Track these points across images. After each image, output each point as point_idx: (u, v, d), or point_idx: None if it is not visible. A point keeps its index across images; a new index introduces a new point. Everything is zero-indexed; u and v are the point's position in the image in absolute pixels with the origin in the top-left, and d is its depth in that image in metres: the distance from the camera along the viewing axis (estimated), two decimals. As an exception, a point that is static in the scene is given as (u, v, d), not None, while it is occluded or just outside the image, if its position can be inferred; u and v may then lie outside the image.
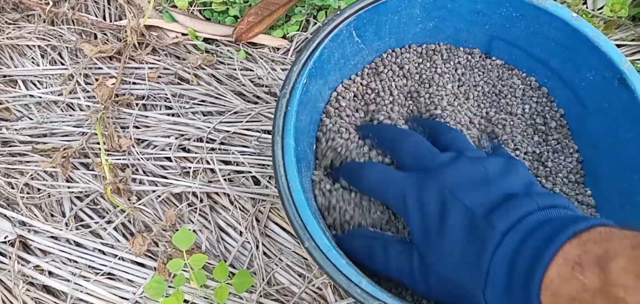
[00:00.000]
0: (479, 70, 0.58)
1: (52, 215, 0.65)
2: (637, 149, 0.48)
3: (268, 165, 0.67)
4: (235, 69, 0.74)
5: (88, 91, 0.71)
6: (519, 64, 0.58)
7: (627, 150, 0.49)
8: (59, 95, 0.71)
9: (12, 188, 0.66)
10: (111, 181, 0.61)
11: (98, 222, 0.64)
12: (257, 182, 0.67)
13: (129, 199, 0.64)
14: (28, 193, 0.66)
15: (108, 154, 0.67)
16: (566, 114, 0.56)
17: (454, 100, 0.56)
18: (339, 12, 0.50)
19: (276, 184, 0.44)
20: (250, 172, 0.66)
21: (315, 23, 0.82)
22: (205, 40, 0.80)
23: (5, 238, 0.63)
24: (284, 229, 0.64)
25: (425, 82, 0.57)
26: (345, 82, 0.57)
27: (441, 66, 0.58)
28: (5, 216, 0.65)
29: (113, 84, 0.71)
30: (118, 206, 0.63)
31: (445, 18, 0.56)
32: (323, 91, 0.54)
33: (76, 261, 0.63)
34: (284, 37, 0.82)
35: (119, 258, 0.61)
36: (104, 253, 0.63)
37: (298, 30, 0.82)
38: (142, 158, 0.66)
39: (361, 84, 0.57)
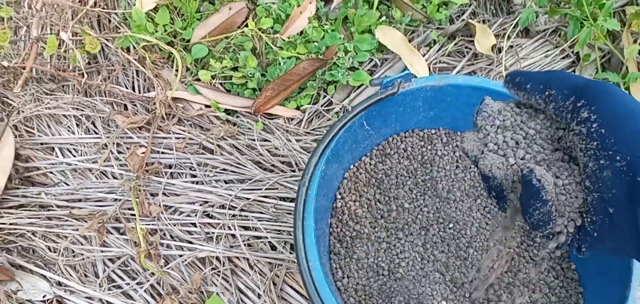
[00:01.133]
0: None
1: (86, 275, 0.72)
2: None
3: (284, 231, 0.74)
4: (254, 139, 0.82)
5: (120, 160, 0.78)
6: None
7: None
8: (93, 162, 0.78)
9: (50, 251, 0.73)
10: (144, 248, 0.67)
11: (129, 284, 0.70)
12: (273, 247, 0.73)
13: (158, 263, 0.70)
14: (64, 255, 0.72)
15: (141, 221, 0.73)
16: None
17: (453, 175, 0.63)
18: (352, 108, 0.57)
19: (298, 265, 0.50)
20: (267, 237, 0.73)
21: (325, 96, 0.90)
22: (226, 111, 0.87)
23: (43, 297, 0.70)
24: (298, 292, 0.70)
25: (426, 162, 0.64)
26: (357, 163, 0.64)
27: (441, 149, 0.65)
28: (44, 276, 0.71)
29: (143, 153, 0.78)
30: (149, 270, 0.69)
31: (445, 109, 0.63)
32: (338, 173, 0.61)
33: (108, 320, 0.69)
34: (297, 108, 0.90)
35: (149, 318, 0.67)
36: (133, 311, 0.69)
37: (310, 102, 0.90)
38: (169, 224, 0.73)
39: (370, 164, 0.64)
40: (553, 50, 0.89)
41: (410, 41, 0.93)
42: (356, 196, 0.63)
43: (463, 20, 0.95)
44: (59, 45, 0.87)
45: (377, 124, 0.61)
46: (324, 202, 0.57)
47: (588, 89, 0.34)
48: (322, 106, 0.89)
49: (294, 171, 0.79)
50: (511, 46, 0.90)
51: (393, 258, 0.60)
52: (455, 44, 0.92)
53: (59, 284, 0.71)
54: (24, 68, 0.83)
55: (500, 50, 0.90)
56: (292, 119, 0.88)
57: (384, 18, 0.95)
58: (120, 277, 0.71)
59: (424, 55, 0.91)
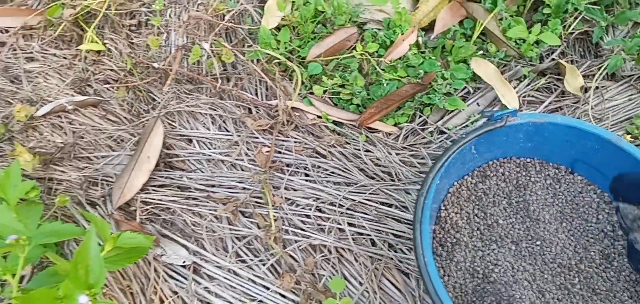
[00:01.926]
0: (564, 183, 0.75)
1: (217, 249, 0.86)
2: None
3: (383, 231, 0.86)
4: (359, 149, 0.94)
5: (249, 155, 0.93)
6: (596, 182, 0.74)
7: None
8: (226, 155, 0.93)
9: (188, 225, 0.87)
10: (275, 231, 0.81)
11: (252, 260, 0.84)
12: (374, 244, 0.85)
13: (279, 245, 0.83)
14: (200, 229, 0.87)
15: (262, 208, 0.87)
16: (633, 227, 0.72)
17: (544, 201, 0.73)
18: (465, 134, 0.68)
19: (416, 260, 0.62)
20: (369, 235, 0.85)
21: (421, 116, 1.01)
22: (334, 122, 1.00)
23: (183, 262, 0.84)
24: (394, 286, 0.81)
25: (520, 186, 0.75)
26: (460, 180, 0.75)
27: (534, 176, 0.75)
28: (183, 245, 0.86)
29: (268, 152, 0.92)
30: (272, 249, 0.83)
31: (541, 142, 0.73)
32: (444, 187, 0.72)
33: (235, 288, 0.82)
34: (395, 124, 1.01)
35: (271, 290, 0.81)
36: (255, 283, 0.83)
37: (406, 121, 1.01)
38: (289, 214, 0.86)
39: (472, 182, 0.75)
40: (637, 96, 0.96)
41: (502, 74, 1.03)
42: (458, 208, 0.74)
43: (553, 59, 1.03)
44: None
45: (482, 149, 0.72)
46: (432, 210, 0.68)
47: None
48: (417, 125, 1.00)
49: (393, 180, 0.90)
50: (597, 87, 0.98)
51: (487, 264, 0.70)
52: (544, 80, 1.01)
53: (195, 253, 0.85)
54: (170, 70, 0.99)
55: (586, 91, 0.98)
56: (390, 134, 1.00)
57: (479, 51, 1.05)
58: (245, 253, 0.85)
59: (514, 88, 1.01)
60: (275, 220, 0.83)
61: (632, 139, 0.89)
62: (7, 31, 1.11)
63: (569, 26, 1.05)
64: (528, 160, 0.76)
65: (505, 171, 0.76)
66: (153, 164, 0.91)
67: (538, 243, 0.72)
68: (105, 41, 1.08)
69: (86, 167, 0.94)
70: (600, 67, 1.00)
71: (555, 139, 0.72)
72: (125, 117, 1.00)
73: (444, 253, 0.72)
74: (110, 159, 0.94)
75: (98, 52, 1.07)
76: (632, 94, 0.97)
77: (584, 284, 0.69)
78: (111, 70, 1.05)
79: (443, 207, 0.73)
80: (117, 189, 0.89)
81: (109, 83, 1.05)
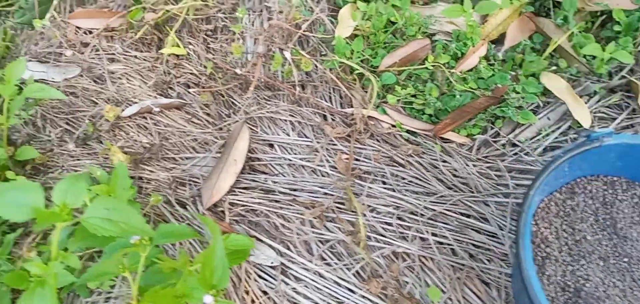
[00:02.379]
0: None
1: (302, 251, 0.89)
2: None
3: (463, 241, 0.89)
4: (436, 159, 0.97)
5: (329, 161, 0.96)
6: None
7: None
8: (307, 161, 0.97)
9: (275, 227, 0.91)
10: (364, 236, 0.84)
11: (337, 264, 0.87)
12: (454, 253, 0.88)
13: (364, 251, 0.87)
14: (287, 231, 0.90)
15: (344, 213, 0.90)
16: None
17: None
18: (562, 153, 0.71)
19: (519, 272, 0.65)
20: (451, 245, 0.88)
21: (493, 128, 1.04)
22: (407, 131, 1.03)
23: (271, 263, 0.88)
24: (477, 296, 0.84)
25: (607, 204, 0.77)
26: (549, 196, 0.77)
27: (621, 194, 0.78)
28: (271, 246, 0.90)
29: (347, 159, 0.95)
30: (356, 254, 0.86)
31: (631, 162, 0.76)
32: (536, 201, 0.75)
33: (321, 290, 0.86)
34: (467, 135, 1.04)
35: (357, 294, 0.84)
36: (340, 285, 0.86)
37: (479, 132, 1.04)
38: (371, 220, 0.90)
39: (560, 198, 0.78)
40: None
41: (573, 89, 1.05)
42: (547, 223, 0.76)
43: (623, 76, 1.05)
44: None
45: (573, 167, 0.75)
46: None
47: None
48: (490, 137, 1.02)
49: (472, 192, 0.93)
50: (670, 106, 1.00)
51: (578, 279, 0.73)
52: (616, 97, 1.03)
53: (282, 254, 0.89)
54: (252, 76, 1.03)
55: (659, 109, 1.00)
56: (463, 145, 1.02)
57: (550, 66, 1.07)
58: (329, 257, 0.89)
59: (585, 104, 1.03)
60: (363, 225, 0.87)
61: None
62: (90, 32, 1.15)
63: (639, 44, 1.07)
64: (615, 179, 0.79)
65: (592, 188, 0.78)
66: (240, 167, 0.95)
67: (625, 260, 0.74)
68: (185, 45, 1.12)
69: (173, 167, 0.98)
70: (673, 86, 1.01)
71: (645, 161, 0.74)
72: (207, 120, 1.04)
73: (535, 266, 0.75)
74: (196, 160, 0.98)
75: (178, 55, 1.11)
76: None
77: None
78: (191, 73, 1.09)
79: (533, 222, 0.76)
80: (206, 191, 0.93)
81: (189, 86, 1.09)
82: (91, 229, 0.58)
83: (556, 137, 1.01)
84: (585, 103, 1.03)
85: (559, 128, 1.02)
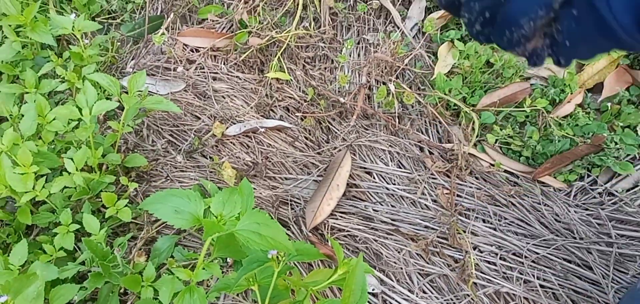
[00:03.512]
0: None
1: (402, 282, 0.91)
2: None
3: (566, 286, 0.88)
4: (539, 202, 0.97)
5: (431, 195, 0.98)
6: None
7: None
8: (408, 192, 0.98)
9: (373, 254, 0.93)
10: (473, 274, 0.85)
11: (438, 298, 0.88)
12: (557, 298, 0.88)
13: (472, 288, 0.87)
14: (387, 261, 0.92)
15: (447, 248, 0.91)
16: None
17: None
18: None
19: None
20: (554, 289, 0.88)
21: (590, 175, 1.04)
22: (505, 171, 1.04)
23: (372, 289, 0.89)
24: (582, 341, 0.84)
25: None
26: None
27: None
28: (374, 274, 0.91)
29: (448, 194, 0.97)
30: (461, 291, 0.87)
31: None
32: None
33: (422, 322, 0.87)
34: (564, 181, 1.04)
35: (461, 329, 0.85)
36: (441, 320, 0.87)
37: (575, 179, 1.04)
38: (475, 258, 0.90)
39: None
40: None
41: (673, 144, 1.04)
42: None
43: None
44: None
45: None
46: None
47: None
48: (587, 184, 1.02)
49: (575, 238, 0.93)
50: None
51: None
52: None
53: (382, 282, 0.90)
54: (355, 105, 1.06)
55: None
56: (560, 189, 1.02)
57: (651, 119, 1.07)
58: (429, 290, 0.90)
59: (687, 160, 1.02)
60: (473, 262, 0.87)
61: None
62: (197, 51, 1.21)
63: None
64: None
65: None
66: (341, 193, 0.97)
67: None
68: (286, 70, 1.16)
69: (275, 187, 1.01)
70: None
71: None
72: (307, 144, 1.07)
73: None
74: (298, 182, 1.01)
75: (280, 80, 1.15)
76: None
77: None
78: (292, 98, 1.13)
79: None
80: (309, 212, 0.95)
81: (289, 110, 1.13)
82: (244, 241, 0.61)
83: (656, 190, 1.00)
84: (686, 159, 1.03)
85: (658, 181, 1.01)
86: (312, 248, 0.75)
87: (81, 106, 0.87)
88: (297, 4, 1.20)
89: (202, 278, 0.67)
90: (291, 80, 1.16)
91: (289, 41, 1.17)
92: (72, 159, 0.88)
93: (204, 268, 0.67)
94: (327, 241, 0.94)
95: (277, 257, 0.68)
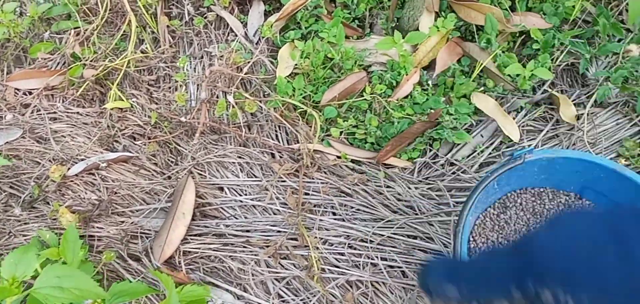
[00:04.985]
0: (574, 208, 0.84)
1: (259, 292, 0.92)
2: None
3: (412, 262, 0.93)
4: (381, 186, 1.02)
5: (280, 199, 0.99)
6: (602, 205, 0.84)
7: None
8: (257, 201, 0.99)
9: (228, 270, 0.93)
10: (318, 271, 0.87)
11: (294, 300, 0.90)
12: (405, 275, 0.93)
13: (319, 284, 0.90)
14: (241, 274, 0.92)
15: (298, 249, 0.93)
16: None
17: None
18: (489, 174, 0.77)
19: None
20: (400, 267, 0.92)
21: (431, 150, 1.10)
22: (352, 160, 1.08)
23: (229, 306, 0.90)
24: (428, 311, 0.89)
25: (536, 213, 0.84)
26: (484, 213, 0.83)
27: (548, 203, 0.84)
28: (227, 290, 0.91)
29: (296, 195, 0.99)
30: (314, 288, 0.89)
31: (553, 173, 0.82)
32: (471, 221, 0.80)
33: (280, 326, 0.88)
34: (408, 159, 1.10)
35: (315, 326, 0.87)
36: (298, 321, 0.89)
37: (419, 155, 1.10)
38: (324, 252, 0.93)
39: (494, 213, 0.84)
40: (624, 120, 1.07)
41: (501, 107, 1.12)
42: (484, 239, 0.82)
43: (545, 90, 1.14)
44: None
45: (502, 184, 0.81)
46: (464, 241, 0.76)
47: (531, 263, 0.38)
48: (429, 158, 1.08)
49: (416, 214, 0.98)
50: (588, 114, 1.09)
51: (516, 287, 0.79)
52: (540, 110, 1.11)
53: (239, 297, 0.91)
54: (197, 123, 1.05)
55: (578, 118, 1.09)
56: (405, 168, 1.08)
57: (479, 87, 1.15)
58: (286, 293, 0.91)
59: (513, 119, 1.11)
60: (316, 260, 0.90)
61: (627, 162, 1.00)
62: (30, 93, 1.14)
63: (557, 59, 1.16)
64: (541, 189, 0.86)
65: (522, 201, 0.84)
66: (189, 219, 0.96)
67: (557, 263, 0.81)
68: (128, 98, 1.13)
69: (123, 222, 0.98)
70: (589, 95, 1.11)
71: (565, 170, 0.81)
72: (155, 171, 1.05)
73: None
74: (147, 212, 0.99)
75: (122, 108, 1.11)
76: (619, 119, 1.08)
77: None
78: (136, 125, 1.10)
79: (471, 239, 0.82)
80: (157, 247, 0.93)
81: (135, 138, 1.10)
82: (42, 299, 0.59)
83: (490, 153, 1.08)
84: (514, 118, 1.11)
85: (492, 144, 1.09)
86: (141, 285, 0.73)
87: None
88: (132, 27, 1.17)
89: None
90: (134, 106, 1.13)
91: (126, 67, 1.13)
92: None
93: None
94: (182, 268, 0.93)
95: None
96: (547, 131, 1.08)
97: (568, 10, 1.16)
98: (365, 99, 1.13)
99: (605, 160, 0.79)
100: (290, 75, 1.16)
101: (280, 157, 1.07)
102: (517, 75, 1.13)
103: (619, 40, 1.15)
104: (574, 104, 1.11)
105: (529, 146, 1.06)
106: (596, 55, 1.15)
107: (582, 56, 1.14)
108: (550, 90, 1.14)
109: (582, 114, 1.08)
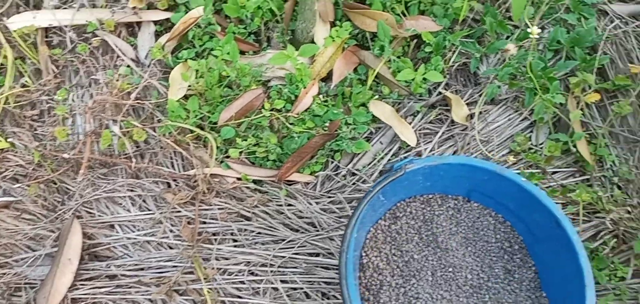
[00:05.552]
0: (464, 211, 0.86)
1: (156, 331, 0.87)
2: (572, 267, 0.75)
3: (314, 281, 0.92)
4: (281, 205, 1.00)
5: (174, 231, 0.95)
6: (491, 206, 0.86)
7: (565, 268, 0.76)
8: (151, 236, 0.95)
9: (124, 313, 0.88)
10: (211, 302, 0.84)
11: (193, 335, 0.86)
12: (308, 296, 0.91)
13: (217, 316, 0.87)
14: (137, 316, 0.88)
15: (196, 283, 0.90)
16: (524, 241, 0.84)
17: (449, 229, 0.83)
18: (372, 189, 0.76)
19: (348, 311, 0.68)
20: (302, 288, 0.91)
21: (333, 161, 1.09)
22: (254, 181, 1.05)
23: (123, 352, 0.85)
24: (331, 330, 0.88)
25: (427, 221, 0.84)
26: (375, 225, 0.83)
27: (437, 209, 0.85)
28: (121, 335, 0.86)
29: (192, 225, 0.95)
30: (210, 322, 0.86)
31: (438, 180, 0.83)
32: (362, 236, 0.80)
33: (179, 366, 0.84)
34: (311, 173, 1.08)
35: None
36: (198, 358, 0.85)
37: (321, 169, 1.09)
38: (222, 284, 0.90)
39: (385, 225, 0.84)
40: (514, 116, 1.11)
41: (398, 112, 1.13)
42: (377, 252, 0.82)
43: (439, 92, 1.16)
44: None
45: (389, 195, 0.81)
46: (354, 258, 0.75)
47: None
48: (331, 171, 1.08)
49: (317, 230, 0.97)
50: (481, 113, 1.12)
51: (410, 299, 0.78)
52: (435, 112, 1.13)
53: (134, 340, 0.86)
54: (82, 159, 0.99)
55: (472, 117, 1.11)
56: (308, 183, 1.06)
57: (375, 94, 1.15)
58: (185, 330, 0.87)
59: (410, 123, 1.12)
60: (208, 292, 0.86)
61: (515, 157, 1.03)
62: None
63: (449, 60, 1.18)
64: (430, 196, 0.86)
65: (412, 209, 0.85)
66: (76, 265, 0.90)
67: (450, 269, 0.82)
68: (8, 136, 1.05)
69: (5, 273, 0.91)
70: (481, 94, 1.13)
71: (450, 176, 0.82)
72: (40, 214, 0.98)
73: (371, 296, 0.79)
74: (31, 260, 0.92)
75: (2, 149, 1.03)
76: (510, 115, 1.12)
77: (494, 300, 0.79)
78: (18, 166, 1.03)
79: (364, 254, 0.81)
80: (42, 299, 0.87)
81: (18, 180, 1.02)
82: None
83: (389, 159, 1.08)
84: (411, 123, 1.12)
85: (391, 150, 1.10)
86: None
87: None
88: (9, 60, 1.09)
89: None
90: (14, 146, 1.05)
91: (4, 104, 1.05)
92: None
93: None
94: (70, 316, 0.87)
95: None
96: (443, 133, 1.10)
97: (457, 10, 1.19)
98: (263, 116, 1.10)
99: (486, 162, 0.80)
100: (184, 97, 1.12)
101: (176, 185, 1.02)
102: (411, 79, 1.14)
103: (507, 38, 1.19)
104: (468, 104, 1.13)
105: (425, 149, 1.07)
106: (486, 53, 1.18)
107: (472, 56, 1.17)
108: (444, 91, 1.15)
109: (475, 113, 1.11)
